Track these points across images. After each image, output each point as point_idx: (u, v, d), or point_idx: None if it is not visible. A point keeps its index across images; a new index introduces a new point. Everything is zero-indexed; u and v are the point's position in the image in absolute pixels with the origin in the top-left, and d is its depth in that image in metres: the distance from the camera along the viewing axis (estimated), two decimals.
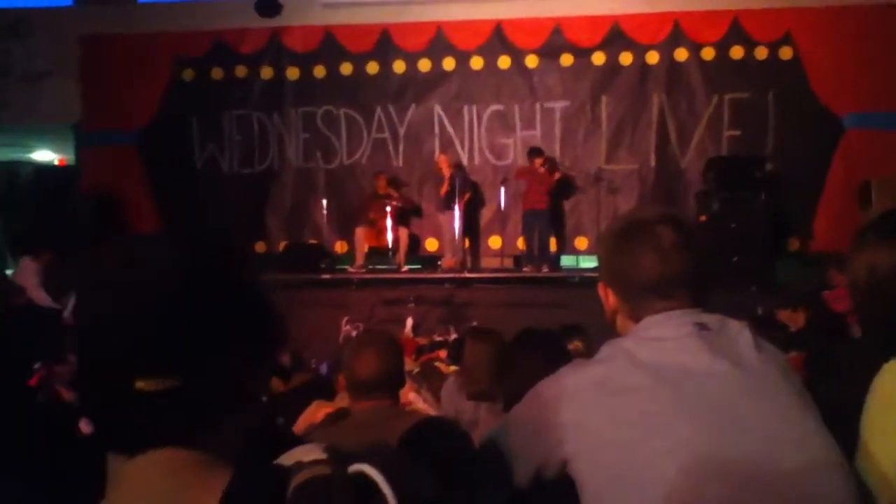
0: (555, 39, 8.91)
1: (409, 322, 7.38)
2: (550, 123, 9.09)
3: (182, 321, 0.71)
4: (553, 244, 8.74)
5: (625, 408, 1.07)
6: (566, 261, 9.32)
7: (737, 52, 8.69)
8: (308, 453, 0.70)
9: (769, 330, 4.93)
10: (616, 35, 8.82)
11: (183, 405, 0.70)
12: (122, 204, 8.99)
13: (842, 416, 1.14)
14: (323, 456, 0.70)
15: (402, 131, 9.28)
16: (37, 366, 3.02)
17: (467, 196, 8.70)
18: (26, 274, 6.56)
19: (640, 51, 8.85)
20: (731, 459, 1.01)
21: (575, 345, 3.47)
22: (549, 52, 8.98)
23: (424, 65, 9.18)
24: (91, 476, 0.76)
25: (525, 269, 8.55)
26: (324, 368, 6.13)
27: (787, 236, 8.56)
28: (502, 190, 8.67)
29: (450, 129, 9.23)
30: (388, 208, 8.48)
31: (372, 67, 9.22)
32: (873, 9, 8.28)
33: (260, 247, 9.26)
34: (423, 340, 6.98)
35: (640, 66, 8.88)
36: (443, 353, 5.99)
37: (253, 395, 0.77)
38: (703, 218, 7.85)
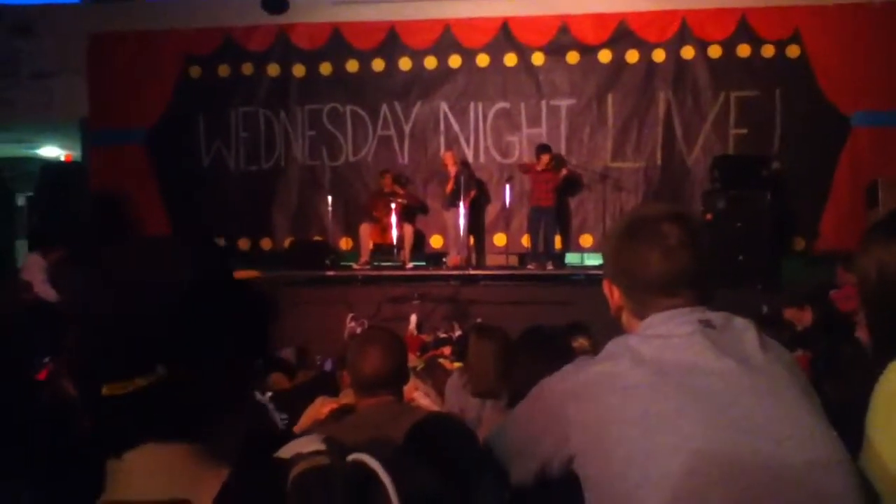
0: (561, 37, 8.88)
1: (414, 319, 7.37)
2: (556, 121, 9.06)
3: (182, 321, 0.72)
4: (558, 241, 8.73)
5: (629, 405, 1.07)
6: (571, 258, 9.31)
7: (744, 51, 8.64)
8: (307, 445, 0.71)
9: (775, 329, 4.90)
10: (623, 33, 8.79)
11: (178, 401, 0.71)
12: (130, 201, 9.02)
13: (847, 415, 1.14)
14: (322, 447, 0.70)
15: (407, 129, 9.27)
16: (46, 360, 3.04)
17: (472, 193, 8.68)
18: (33, 270, 6.54)
19: (646, 49, 8.81)
20: (736, 457, 1.01)
21: (580, 342, 3.47)
22: (555, 49, 8.95)
23: (430, 62, 9.17)
24: (92, 474, 0.76)
25: (530, 266, 8.53)
26: (328, 365, 6.14)
27: (793, 235, 8.52)
28: (507, 187, 8.67)
29: (455, 126, 9.21)
30: (394, 205, 8.47)
31: (378, 65, 9.21)
32: (881, 7, 8.24)
33: (266, 243, 9.28)
34: (427, 337, 6.99)
35: (647, 64, 8.84)
36: (447, 350, 6.00)
37: (246, 392, 0.77)
38: (708, 216, 7.81)
